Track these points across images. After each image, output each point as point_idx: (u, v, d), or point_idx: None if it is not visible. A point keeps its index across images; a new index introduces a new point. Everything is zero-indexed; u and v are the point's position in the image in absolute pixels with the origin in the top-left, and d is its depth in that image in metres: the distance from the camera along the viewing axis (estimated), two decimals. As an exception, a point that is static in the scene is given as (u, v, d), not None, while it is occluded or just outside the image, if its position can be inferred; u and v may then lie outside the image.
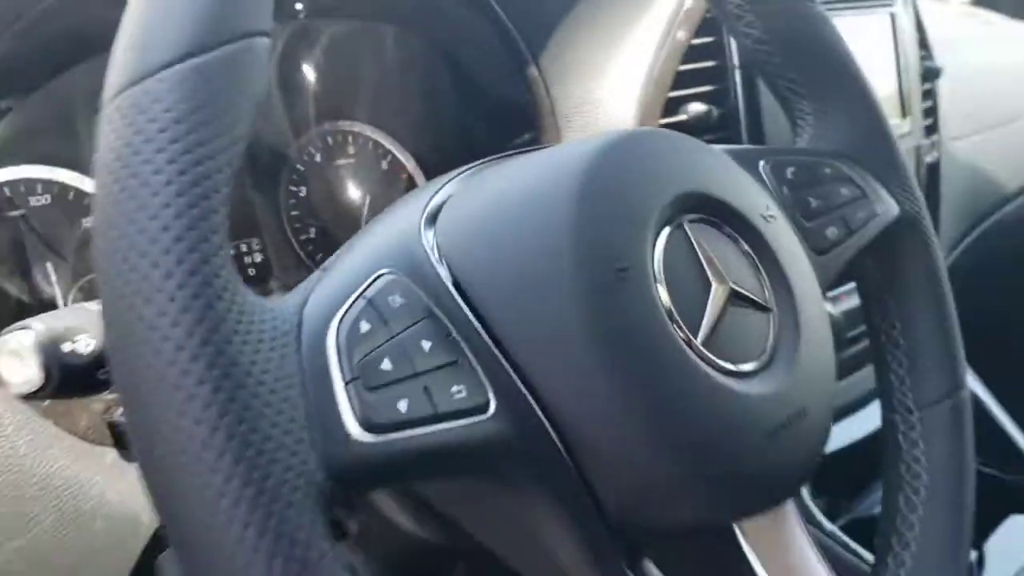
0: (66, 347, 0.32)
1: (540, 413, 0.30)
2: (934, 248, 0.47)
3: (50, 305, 0.53)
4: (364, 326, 0.28)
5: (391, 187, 0.67)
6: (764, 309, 0.35)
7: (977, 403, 0.90)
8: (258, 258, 0.62)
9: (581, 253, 0.30)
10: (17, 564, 0.44)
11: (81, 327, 0.33)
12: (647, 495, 0.32)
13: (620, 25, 0.61)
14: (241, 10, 0.27)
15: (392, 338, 0.29)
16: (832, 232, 0.43)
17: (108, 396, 0.36)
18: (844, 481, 0.78)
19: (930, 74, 0.91)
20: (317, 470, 0.26)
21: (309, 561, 0.24)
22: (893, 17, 0.83)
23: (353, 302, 0.29)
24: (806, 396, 0.35)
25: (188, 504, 0.24)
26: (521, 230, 0.31)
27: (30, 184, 0.53)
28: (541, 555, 0.33)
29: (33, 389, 0.31)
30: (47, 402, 0.47)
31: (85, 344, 0.32)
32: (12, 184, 0.53)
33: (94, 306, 0.34)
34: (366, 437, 0.27)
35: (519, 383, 0.30)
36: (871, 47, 0.81)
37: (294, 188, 0.64)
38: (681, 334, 0.32)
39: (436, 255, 0.31)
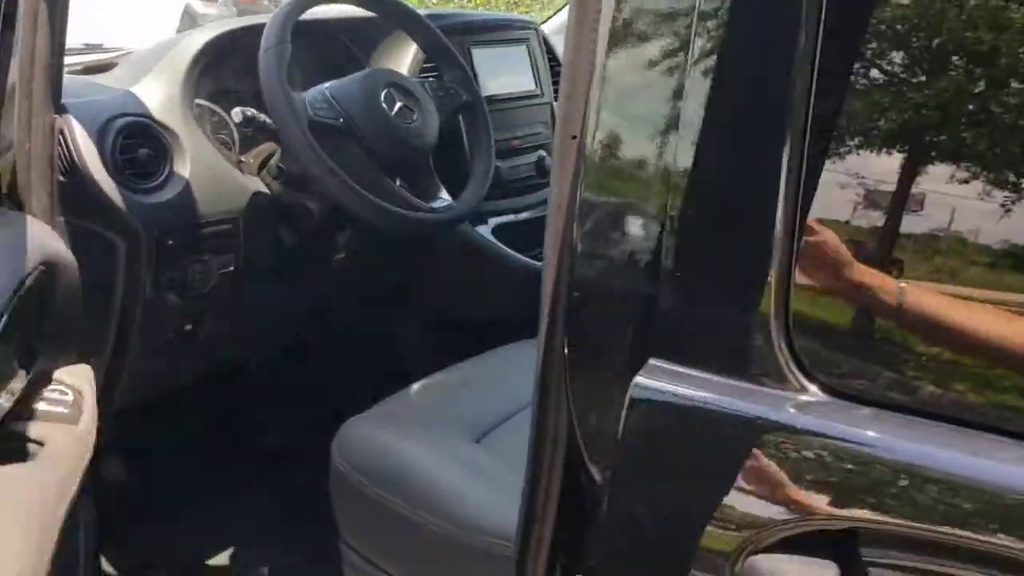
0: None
1: (352, 124, 1.34)
2: (485, 111, 1.54)
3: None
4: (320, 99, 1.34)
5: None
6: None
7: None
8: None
9: (364, 89, 1.36)
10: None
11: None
12: (387, 143, 1.37)
13: (402, 51, 1.67)
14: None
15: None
16: (444, 102, 1.49)
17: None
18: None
19: (555, 70, 2.00)
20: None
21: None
22: (528, 45, 1.92)
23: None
24: (429, 128, 1.41)
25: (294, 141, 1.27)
26: (352, 87, 1.37)
27: None
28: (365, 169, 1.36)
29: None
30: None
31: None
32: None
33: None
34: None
35: (347, 120, 1.34)
36: (517, 59, 1.89)
37: None
38: (391, 113, 1.37)
39: (330, 94, 1.36)
